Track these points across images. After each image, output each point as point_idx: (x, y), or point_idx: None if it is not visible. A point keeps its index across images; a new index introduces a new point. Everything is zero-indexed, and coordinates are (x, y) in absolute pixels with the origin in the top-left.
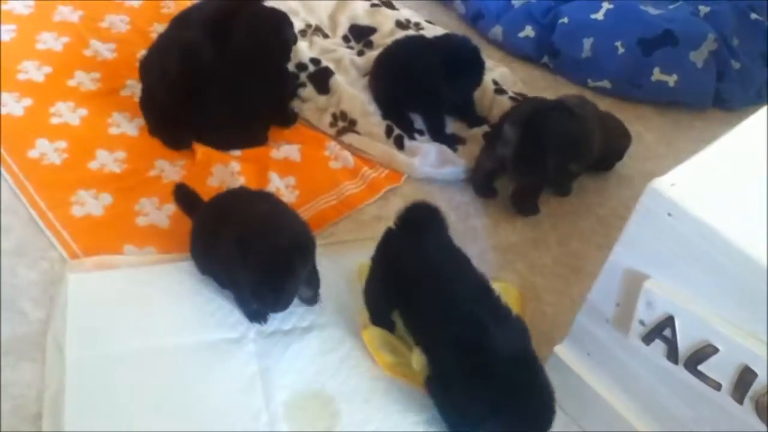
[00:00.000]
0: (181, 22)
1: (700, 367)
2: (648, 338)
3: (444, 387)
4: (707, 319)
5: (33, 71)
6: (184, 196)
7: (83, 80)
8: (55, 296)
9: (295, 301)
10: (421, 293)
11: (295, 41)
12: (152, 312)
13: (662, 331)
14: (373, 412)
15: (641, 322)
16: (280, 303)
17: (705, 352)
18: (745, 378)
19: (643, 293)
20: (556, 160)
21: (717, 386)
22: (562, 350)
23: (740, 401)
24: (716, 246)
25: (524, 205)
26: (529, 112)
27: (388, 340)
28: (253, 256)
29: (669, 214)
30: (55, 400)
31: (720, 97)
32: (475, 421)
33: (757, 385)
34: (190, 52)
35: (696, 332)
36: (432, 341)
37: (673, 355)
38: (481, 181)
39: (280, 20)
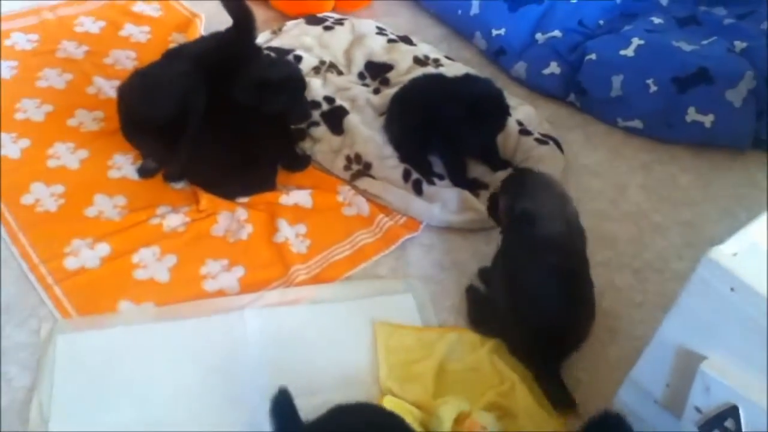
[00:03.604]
0: (173, 58)
1: None
2: (706, 427)
3: None
4: None
5: (32, 110)
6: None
7: (84, 120)
8: (43, 359)
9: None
10: None
11: (309, 114)
12: (149, 377)
13: (723, 421)
14: None
15: (697, 409)
16: None
17: None
18: None
19: (699, 376)
20: None
21: None
22: None
23: None
24: None
25: None
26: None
27: (409, 410)
28: None
29: (731, 289)
30: None
31: (758, 138)
32: None
33: None
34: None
35: (765, 426)
36: None
37: None
38: None
39: (296, 88)
